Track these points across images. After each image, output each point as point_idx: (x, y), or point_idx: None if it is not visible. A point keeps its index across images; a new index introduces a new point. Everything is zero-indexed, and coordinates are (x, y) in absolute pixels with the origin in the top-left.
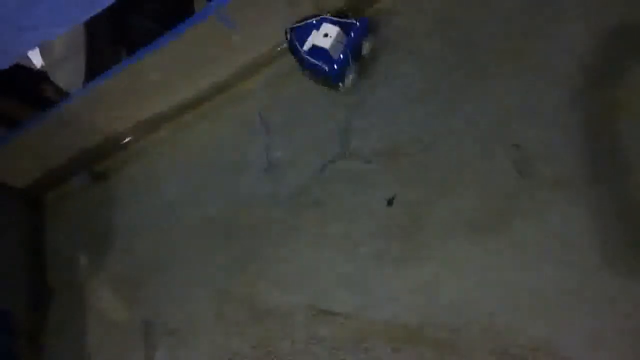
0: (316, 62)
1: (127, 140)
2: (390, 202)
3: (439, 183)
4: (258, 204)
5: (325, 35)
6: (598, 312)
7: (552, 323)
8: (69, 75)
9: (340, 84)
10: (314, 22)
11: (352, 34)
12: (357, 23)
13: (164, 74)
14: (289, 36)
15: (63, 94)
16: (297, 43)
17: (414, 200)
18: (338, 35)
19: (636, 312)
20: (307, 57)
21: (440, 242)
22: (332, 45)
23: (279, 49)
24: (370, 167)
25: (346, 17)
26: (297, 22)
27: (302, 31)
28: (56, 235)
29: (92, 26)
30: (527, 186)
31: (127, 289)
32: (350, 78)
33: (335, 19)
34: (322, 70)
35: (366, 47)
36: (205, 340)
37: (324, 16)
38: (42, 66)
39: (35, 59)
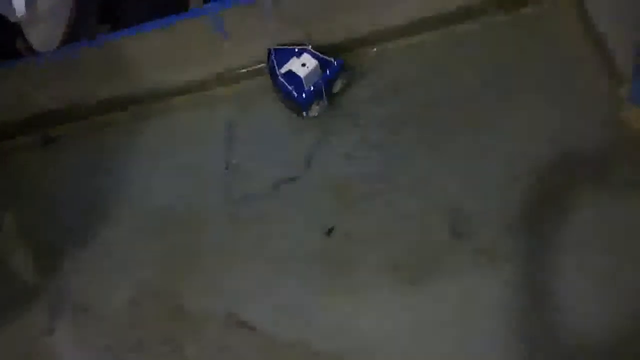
0: (288, 86)
1: (87, 113)
2: (329, 232)
3: (377, 226)
4: (205, 205)
5: (303, 64)
6: None
7: None
8: (44, 37)
9: (305, 113)
10: (297, 49)
11: (328, 72)
12: (335, 62)
13: (140, 60)
14: (270, 55)
15: (34, 53)
16: (275, 63)
17: (351, 236)
18: (315, 68)
19: None
20: (282, 79)
21: (366, 281)
22: (307, 76)
23: (260, 66)
24: (318, 195)
25: (325, 54)
26: (282, 45)
27: (283, 54)
28: None
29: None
30: (456, 247)
31: (46, 257)
32: (315, 110)
33: (316, 53)
34: (292, 95)
35: (338, 86)
36: (113, 324)
37: (307, 47)
38: (20, 18)
39: (19, 8)
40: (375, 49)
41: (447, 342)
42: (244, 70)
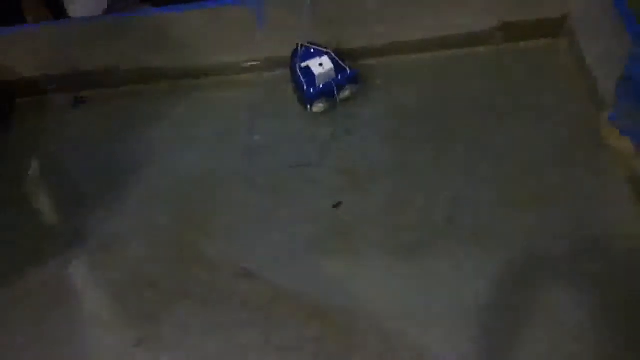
0: (302, 79)
1: (122, 81)
2: (336, 206)
3: (380, 207)
4: (224, 171)
5: (320, 64)
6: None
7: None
8: (85, 11)
9: (309, 107)
10: (320, 50)
11: (340, 77)
12: (349, 71)
13: (179, 37)
14: (297, 50)
15: None
16: (298, 58)
17: (356, 212)
18: (329, 70)
19: None
20: (299, 72)
21: (365, 250)
22: (320, 75)
23: (286, 58)
24: (329, 177)
25: (344, 62)
26: (310, 43)
27: (307, 52)
28: (17, 139)
29: None
30: (449, 231)
31: (68, 201)
32: (319, 107)
33: (335, 57)
34: (302, 88)
35: (347, 93)
36: (130, 264)
37: (329, 51)
38: None
39: None
40: (388, 60)
41: (432, 305)
42: (271, 60)
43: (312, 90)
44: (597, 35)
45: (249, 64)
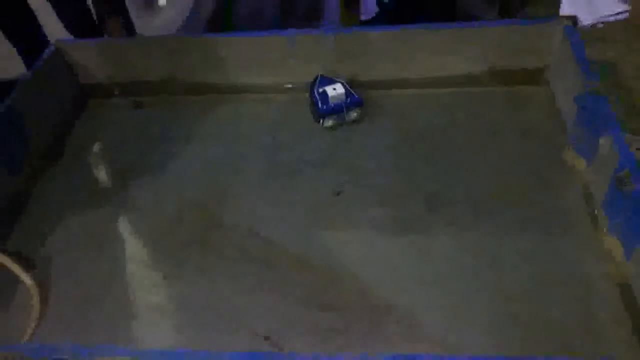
0: (318, 98)
1: (174, 90)
2: (337, 194)
3: (374, 198)
4: (247, 162)
5: (334, 89)
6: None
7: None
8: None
9: (321, 121)
10: (335, 80)
11: (349, 100)
12: (357, 97)
13: (227, 58)
14: (317, 78)
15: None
16: (317, 83)
17: (354, 199)
18: (341, 94)
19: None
20: (315, 93)
21: (359, 228)
22: (333, 96)
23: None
24: (334, 174)
25: (353, 89)
26: (327, 74)
27: (325, 79)
28: (83, 127)
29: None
30: (429, 218)
31: (118, 175)
32: (328, 123)
33: (347, 86)
34: (317, 104)
35: (353, 115)
36: (161, 225)
37: (342, 81)
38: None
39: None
40: (394, 92)
41: (411, 269)
42: (298, 84)
43: (325, 107)
44: (566, 79)
45: (280, 85)
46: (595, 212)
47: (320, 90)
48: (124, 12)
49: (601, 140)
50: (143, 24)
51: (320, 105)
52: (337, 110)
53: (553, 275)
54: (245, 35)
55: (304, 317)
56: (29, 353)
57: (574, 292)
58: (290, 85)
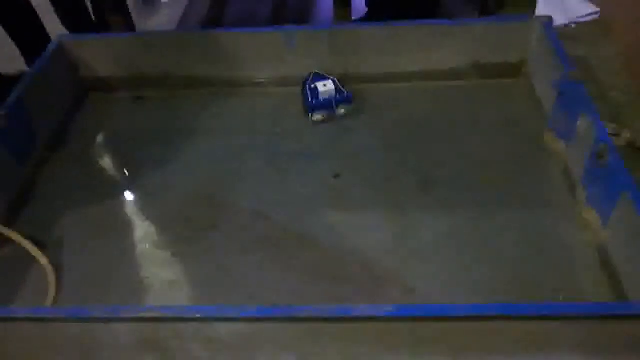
0: (308, 93)
1: (175, 84)
2: (335, 177)
3: (370, 180)
4: (250, 149)
5: (324, 85)
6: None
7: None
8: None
9: (310, 115)
10: (327, 77)
11: (338, 96)
12: (346, 94)
13: (223, 52)
14: (311, 74)
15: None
16: (310, 79)
17: (352, 181)
18: (331, 90)
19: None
20: (307, 88)
21: (357, 207)
22: (323, 91)
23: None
24: (331, 159)
25: (344, 87)
26: (320, 71)
27: (318, 76)
28: (88, 120)
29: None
30: (422, 197)
31: (125, 162)
32: (317, 117)
33: (337, 83)
34: (307, 99)
35: (342, 111)
36: (170, 208)
37: (334, 78)
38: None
39: None
40: (384, 85)
41: (407, 243)
42: (295, 77)
43: (314, 102)
44: (544, 71)
45: (277, 79)
46: (575, 186)
47: (312, 85)
48: (125, 9)
49: (579, 121)
50: (141, 23)
51: (310, 99)
52: (326, 105)
53: (537, 243)
54: (243, 30)
55: (310, 288)
56: (60, 313)
57: (556, 258)
58: (284, 79)
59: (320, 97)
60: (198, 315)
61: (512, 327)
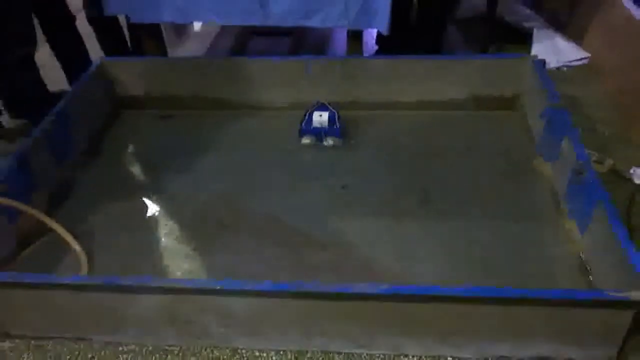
0: (305, 120)
1: (199, 104)
2: (344, 187)
3: (374, 192)
4: (268, 163)
5: (320, 115)
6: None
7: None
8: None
9: (302, 138)
10: (328, 107)
11: (328, 129)
12: (336, 128)
13: (244, 78)
14: (317, 104)
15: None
16: (313, 107)
17: (358, 192)
18: (323, 121)
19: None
20: (306, 114)
21: (361, 215)
22: (315, 120)
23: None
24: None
25: (339, 122)
26: (324, 102)
27: (321, 106)
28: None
29: None
30: (422, 208)
31: (151, 171)
32: (305, 141)
33: (335, 116)
34: (302, 124)
35: (329, 142)
36: (192, 210)
37: (334, 111)
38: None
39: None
40: (388, 112)
41: (405, 246)
42: (308, 103)
43: (304, 127)
44: (535, 104)
45: (292, 103)
46: (559, 202)
47: (311, 112)
48: (159, 35)
49: (563, 143)
50: (172, 51)
51: (302, 125)
52: (315, 132)
53: (522, 252)
54: (264, 58)
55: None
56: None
57: (540, 265)
58: (298, 102)
59: (312, 125)
60: (218, 287)
61: (495, 310)
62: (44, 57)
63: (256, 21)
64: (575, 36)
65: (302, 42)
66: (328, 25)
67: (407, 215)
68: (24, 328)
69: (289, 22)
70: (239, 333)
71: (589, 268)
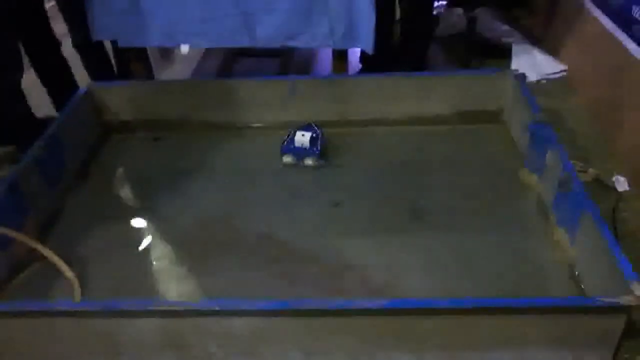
0: (287, 139)
1: (189, 126)
2: (336, 205)
3: (367, 208)
4: (260, 181)
5: (303, 135)
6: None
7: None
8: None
9: (283, 157)
10: (314, 128)
11: (308, 150)
12: (316, 150)
13: (231, 99)
14: (304, 125)
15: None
16: (300, 127)
17: (350, 209)
18: (304, 142)
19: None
20: (290, 135)
21: (354, 232)
22: (297, 140)
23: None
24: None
25: (321, 143)
26: (311, 122)
27: (307, 127)
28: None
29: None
30: (414, 223)
31: (144, 191)
32: (286, 159)
33: (318, 138)
34: (283, 144)
35: (310, 162)
36: (185, 230)
37: (319, 132)
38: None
39: (184, 49)
40: (376, 128)
41: (402, 264)
42: (296, 122)
43: (285, 147)
44: (518, 117)
45: (280, 122)
46: (546, 212)
47: (294, 132)
48: (146, 58)
49: (548, 155)
50: (158, 74)
51: (284, 144)
52: (296, 152)
53: (513, 261)
54: (251, 79)
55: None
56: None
57: (531, 274)
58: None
59: (292, 144)
60: (217, 308)
61: (491, 321)
62: (29, 82)
63: (243, 43)
64: (552, 50)
65: (289, 62)
66: (314, 45)
67: (398, 230)
68: (19, 357)
69: (275, 44)
70: (239, 353)
71: (579, 274)
